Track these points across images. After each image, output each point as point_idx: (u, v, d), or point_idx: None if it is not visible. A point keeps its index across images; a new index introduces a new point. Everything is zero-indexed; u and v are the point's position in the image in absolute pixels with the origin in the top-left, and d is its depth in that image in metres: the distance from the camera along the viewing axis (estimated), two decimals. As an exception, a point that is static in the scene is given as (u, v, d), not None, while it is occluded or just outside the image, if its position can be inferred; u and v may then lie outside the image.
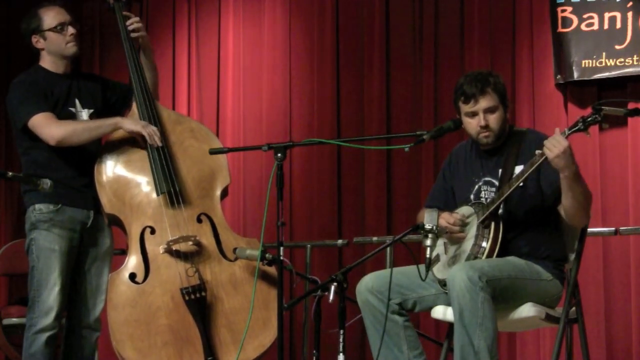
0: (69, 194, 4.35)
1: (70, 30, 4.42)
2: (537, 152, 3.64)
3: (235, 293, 4.35)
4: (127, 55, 4.57)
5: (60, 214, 4.33)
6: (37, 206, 4.33)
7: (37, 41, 4.43)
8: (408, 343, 3.86)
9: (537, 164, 3.65)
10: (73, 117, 4.42)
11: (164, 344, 4.25)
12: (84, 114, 4.46)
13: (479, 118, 3.86)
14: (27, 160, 4.41)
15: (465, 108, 3.88)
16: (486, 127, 3.86)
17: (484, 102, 3.85)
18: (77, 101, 4.45)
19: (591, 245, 5.33)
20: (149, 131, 4.37)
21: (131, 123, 4.39)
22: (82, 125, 4.37)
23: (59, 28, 4.41)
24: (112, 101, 4.59)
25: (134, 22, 4.60)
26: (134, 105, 4.53)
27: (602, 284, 5.57)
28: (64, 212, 4.34)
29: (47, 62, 4.45)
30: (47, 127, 4.29)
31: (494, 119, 3.87)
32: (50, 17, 4.41)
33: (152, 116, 4.48)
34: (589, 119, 3.56)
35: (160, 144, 4.39)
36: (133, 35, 4.57)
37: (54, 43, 4.41)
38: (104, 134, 4.40)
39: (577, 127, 3.59)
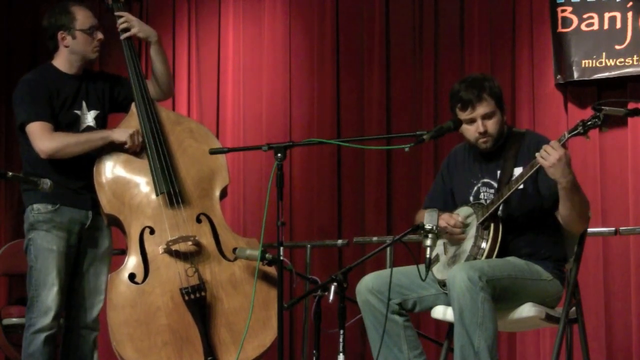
0: (67, 194, 4.35)
1: (99, 35, 4.43)
2: (537, 154, 3.63)
3: (235, 293, 4.35)
4: (126, 56, 4.56)
5: (59, 215, 4.33)
6: (35, 206, 4.33)
7: (64, 38, 4.41)
8: (408, 343, 3.86)
9: (536, 167, 3.64)
10: (77, 119, 4.42)
11: (164, 344, 4.24)
12: (89, 116, 4.45)
13: (477, 125, 3.86)
14: (26, 159, 4.41)
15: (462, 115, 3.88)
16: (485, 133, 3.86)
17: (481, 109, 3.85)
18: (83, 103, 4.45)
19: (591, 245, 5.33)
20: (134, 140, 4.36)
21: (120, 134, 4.38)
22: (74, 139, 4.34)
23: (90, 31, 4.40)
24: (120, 99, 4.58)
25: (122, 22, 4.57)
26: (133, 106, 4.53)
27: (602, 284, 5.57)
28: (62, 212, 4.34)
29: (62, 61, 4.44)
30: (39, 139, 4.28)
31: (492, 125, 3.87)
32: (83, 17, 4.40)
33: (151, 116, 4.48)
34: (589, 123, 3.53)
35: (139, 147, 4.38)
36: (123, 36, 4.55)
37: (81, 44, 4.40)
38: (94, 147, 4.37)
39: (576, 131, 3.57)
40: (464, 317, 3.57)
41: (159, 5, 7.06)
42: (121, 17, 4.58)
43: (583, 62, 5.62)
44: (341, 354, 3.59)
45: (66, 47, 4.42)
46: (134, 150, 4.39)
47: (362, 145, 5.73)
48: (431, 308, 3.95)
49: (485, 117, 3.86)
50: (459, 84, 3.91)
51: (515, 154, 3.87)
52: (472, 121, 3.87)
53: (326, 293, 3.64)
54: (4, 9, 7.36)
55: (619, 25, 5.55)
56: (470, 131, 3.88)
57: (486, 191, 3.92)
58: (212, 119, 6.75)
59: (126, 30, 4.57)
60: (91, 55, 4.45)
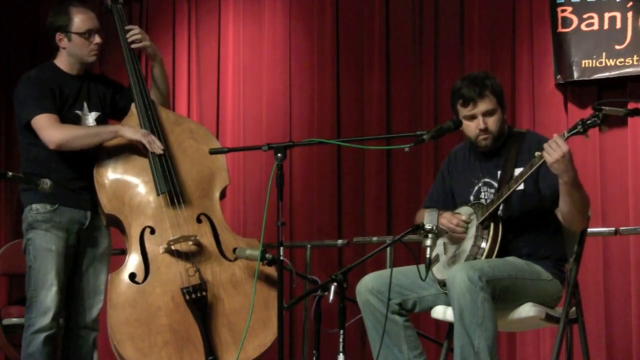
0: (66, 194, 4.34)
1: (96, 39, 4.40)
2: (537, 154, 3.64)
3: (235, 293, 4.35)
4: (126, 57, 4.56)
5: (58, 215, 4.33)
6: (34, 206, 4.32)
7: (61, 39, 4.40)
8: (408, 343, 3.86)
9: (536, 166, 3.64)
10: (78, 120, 4.42)
11: (164, 344, 4.25)
12: (90, 117, 4.45)
13: (478, 121, 3.87)
14: (26, 158, 4.41)
15: (464, 111, 3.89)
16: (485, 130, 3.87)
17: (482, 106, 3.86)
18: (85, 104, 4.44)
19: (591, 245, 5.33)
20: (150, 139, 4.36)
21: (131, 132, 4.37)
22: (83, 131, 4.35)
23: (87, 35, 4.38)
24: (120, 106, 4.57)
25: (133, 34, 4.57)
26: (133, 106, 4.52)
27: (602, 284, 5.56)
28: (61, 212, 4.34)
29: (62, 61, 4.44)
30: (48, 129, 4.28)
31: (492, 122, 3.88)
32: (80, 20, 4.38)
33: (151, 117, 4.48)
34: (588, 122, 3.55)
35: (161, 152, 4.37)
36: (133, 46, 4.55)
37: (77, 47, 4.39)
38: (103, 141, 4.36)
39: (576, 130, 3.58)
40: (464, 317, 3.57)
41: (159, 5, 7.06)
42: (131, 29, 4.57)
43: (583, 62, 5.62)
44: (341, 354, 3.59)
45: (63, 48, 4.42)
46: (152, 149, 4.35)
47: (362, 145, 5.73)
48: (431, 308, 3.95)
49: (487, 114, 3.87)
50: (461, 81, 3.92)
51: (515, 154, 3.88)
52: (472, 118, 3.88)
53: (326, 293, 3.63)
54: (4, 9, 7.36)
55: (619, 25, 5.55)
56: (471, 128, 3.89)
57: (487, 191, 3.92)
58: (212, 119, 6.76)
59: (137, 41, 4.55)
60: (88, 59, 4.43)
